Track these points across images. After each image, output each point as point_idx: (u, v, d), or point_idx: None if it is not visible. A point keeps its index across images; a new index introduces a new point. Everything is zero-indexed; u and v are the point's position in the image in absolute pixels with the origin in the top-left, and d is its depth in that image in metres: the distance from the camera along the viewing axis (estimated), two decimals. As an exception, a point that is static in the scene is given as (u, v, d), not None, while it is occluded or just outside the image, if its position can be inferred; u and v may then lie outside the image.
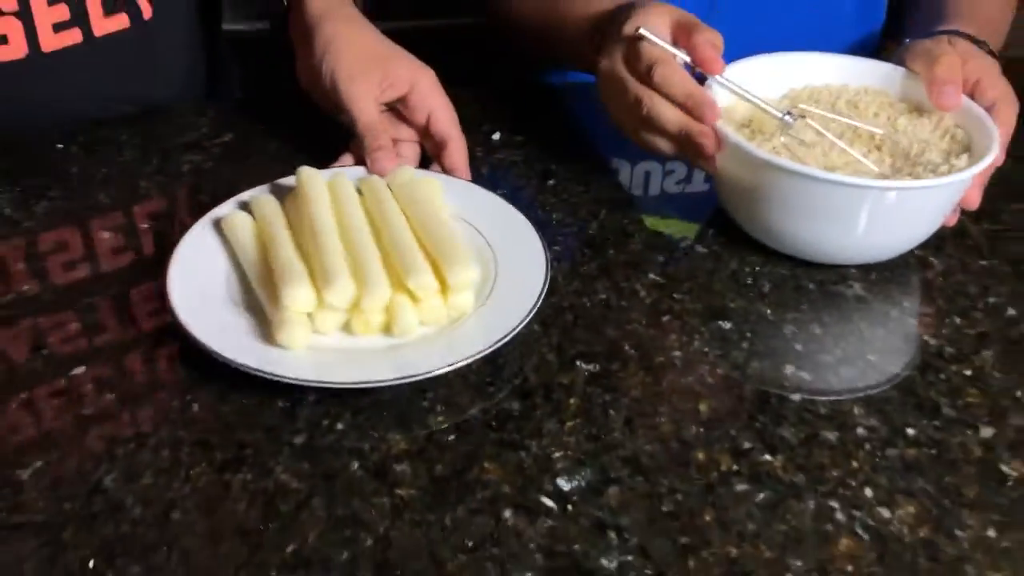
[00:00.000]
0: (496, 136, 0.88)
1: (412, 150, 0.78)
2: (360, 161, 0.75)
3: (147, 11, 0.88)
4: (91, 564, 0.49)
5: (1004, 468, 0.57)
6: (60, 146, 0.84)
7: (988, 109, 0.72)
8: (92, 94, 0.87)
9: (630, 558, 0.51)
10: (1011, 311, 0.69)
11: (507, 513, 0.53)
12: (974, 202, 0.72)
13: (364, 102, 0.75)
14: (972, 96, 0.74)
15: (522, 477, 0.55)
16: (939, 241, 0.76)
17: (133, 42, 0.88)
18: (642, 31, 0.71)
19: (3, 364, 0.61)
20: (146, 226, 0.75)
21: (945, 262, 0.74)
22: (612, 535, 0.52)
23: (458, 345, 0.59)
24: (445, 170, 0.77)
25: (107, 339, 0.63)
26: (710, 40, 0.72)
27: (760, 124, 0.75)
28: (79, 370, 0.61)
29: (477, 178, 0.82)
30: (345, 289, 0.59)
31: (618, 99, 0.75)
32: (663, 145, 0.74)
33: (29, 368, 0.61)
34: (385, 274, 0.61)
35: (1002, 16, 0.93)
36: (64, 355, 0.62)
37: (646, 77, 0.71)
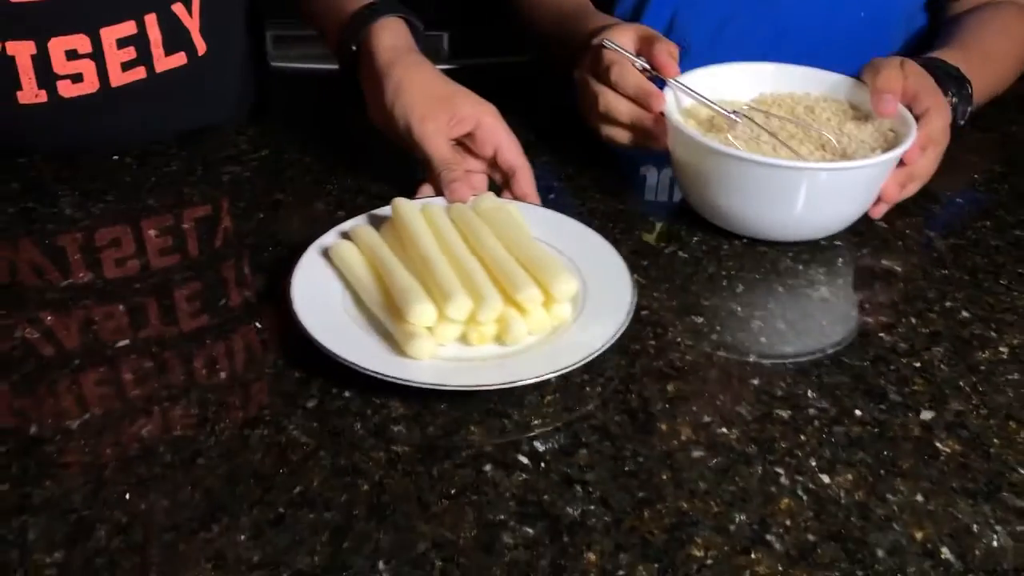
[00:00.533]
0: None
1: (481, 181, 0.86)
2: (439, 192, 0.82)
3: (201, 48, 0.99)
4: (127, 496, 0.58)
5: (939, 445, 0.63)
6: (116, 158, 0.94)
7: (918, 117, 0.82)
8: (150, 121, 0.97)
9: (592, 507, 0.58)
10: (965, 314, 0.75)
11: (487, 467, 0.60)
12: (890, 195, 0.83)
13: (437, 140, 0.83)
14: (910, 107, 0.83)
15: (503, 439, 0.62)
16: (906, 253, 0.82)
17: (188, 76, 0.98)
18: (604, 41, 0.87)
19: (57, 338, 0.70)
20: (187, 226, 0.85)
21: (909, 271, 0.81)
22: (578, 488, 0.59)
23: (562, 353, 0.66)
24: (516, 197, 0.84)
25: (146, 320, 0.72)
26: (666, 49, 0.86)
27: (720, 123, 0.86)
28: (123, 343, 0.70)
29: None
30: (463, 304, 0.66)
31: (584, 98, 0.90)
32: (620, 135, 0.88)
33: (80, 342, 0.70)
34: (496, 289, 0.68)
35: (1011, 51, 1.02)
36: (108, 332, 0.71)
37: (604, 77, 0.86)
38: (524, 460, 0.61)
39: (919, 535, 0.56)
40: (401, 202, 0.77)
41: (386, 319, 0.68)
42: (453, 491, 0.59)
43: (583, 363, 0.65)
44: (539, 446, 0.62)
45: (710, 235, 0.84)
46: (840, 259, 0.82)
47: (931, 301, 0.77)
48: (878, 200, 0.83)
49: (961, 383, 0.68)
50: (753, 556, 0.55)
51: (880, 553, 0.55)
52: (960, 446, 0.63)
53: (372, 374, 0.63)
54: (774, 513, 0.58)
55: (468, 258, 0.71)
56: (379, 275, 0.71)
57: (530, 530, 0.56)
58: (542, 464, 0.61)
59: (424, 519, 0.57)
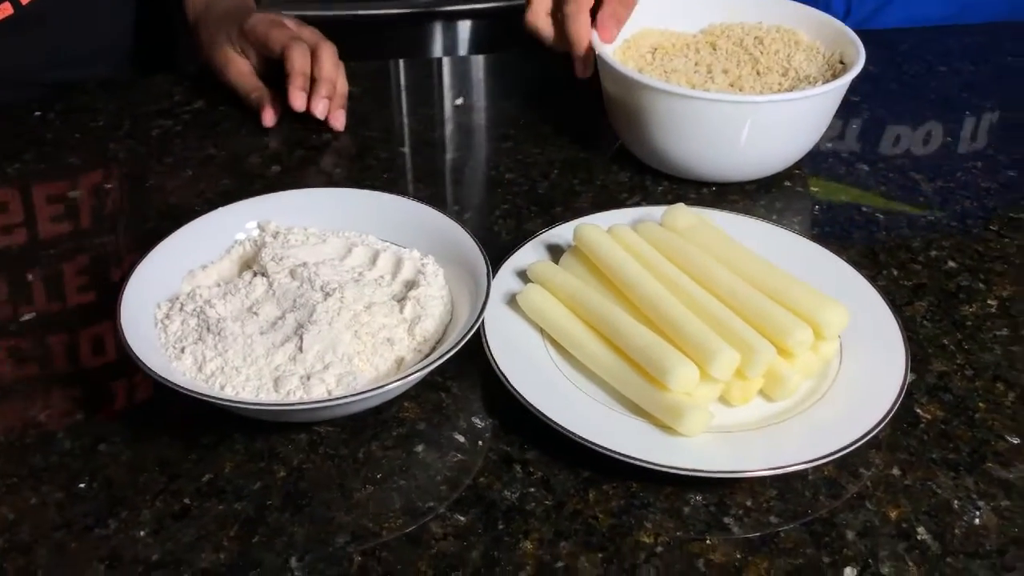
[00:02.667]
0: (459, 101, 0.90)
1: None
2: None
3: None
4: (20, 491, 0.52)
5: (919, 411, 0.57)
6: (38, 114, 0.87)
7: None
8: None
9: (532, 490, 0.52)
10: (951, 264, 0.69)
11: (419, 448, 0.55)
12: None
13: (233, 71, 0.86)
14: None
15: (439, 416, 0.57)
16: (888, 200, 0.76)
17: (19, 25, 0.90)
18: None
19: (-41, 311, 0.64)
20: (110, 186, 0.78)
21: (892, 218, 0.74)
22: (517, 469, 0.53)
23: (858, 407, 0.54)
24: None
25: (54, 291, 0.66)
26: (613, 11, 0.79)
27: (665, 52, 0.80)
28: (29, 316, 0.64)
29: (436, 142, 0.84)
30: (730, 359, 0.53)
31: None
32: (546, 31, 0.83)
33: (-17, 315, 0.64)
34: (759, 335, 0.55)
35: None
36: (12, 304, 0.65)
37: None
38: (460, 439, 0.55)
39: (894, 514, 0.51)
40: (588, 229, 0.62)
41: (626, 387, 0.56)
42: (379, 475, 0.53)
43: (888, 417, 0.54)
44: (478, 423, 0.56)
45: (677, 184, 0.77)
46: (817, 207, 0.75)
47: (915, 251, 0.71)
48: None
49: (945, 341, 0.62)
50: (708, 542, 0.50)
51: (850, 535, 0.50)
52: (942, 412, 0.57)
53: (637, 462, 0.51)
54: (733, 492, 0.52)
55: (704, 297, 0.58)
56: (590, 325, 0.58)
57: (462, 518, 0.51)
58: (479, 443, 0.55)
59: (345, 508, 0.51)
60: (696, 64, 0.79)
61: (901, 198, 0.76)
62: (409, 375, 0.52)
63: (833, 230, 0.73)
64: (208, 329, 0.56)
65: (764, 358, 0.54)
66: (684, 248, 0.62)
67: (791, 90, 0.76)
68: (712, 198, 0.76)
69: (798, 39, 0.81)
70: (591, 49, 0.78)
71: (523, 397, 0.54)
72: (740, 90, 0.76)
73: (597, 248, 0.62)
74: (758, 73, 0.78)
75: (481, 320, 0.56)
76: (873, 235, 0.72)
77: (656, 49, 0.81)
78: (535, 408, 0.53)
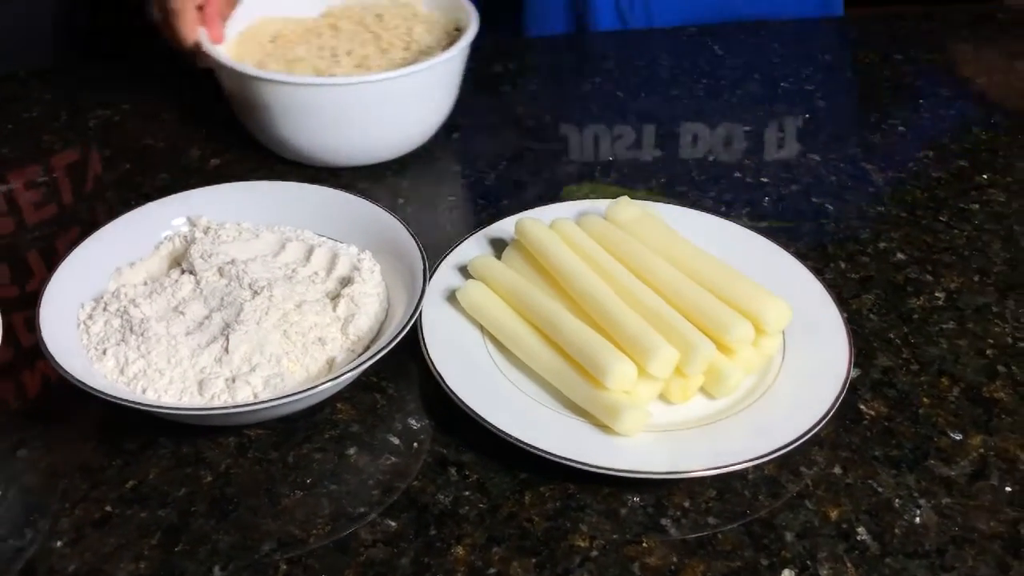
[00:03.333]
0: None
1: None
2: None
3: None
4: (-71, 499, 0.50)
5: (862, 407, 0.56)
6: (-30, 104, 0.84)
7: None
8: None
9: (467, 493, 0.51)
10: (900, 256, 0.68)
11: (351, 451, 0.53)
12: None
13: None
14: None
15: (374, 417, 0.55)
16: (838, 189, 0.75)
17: None
18: None
19: None
20: (45, 179, 0.75)
21: (841, 208, 0.73)
22: (452, 471, 0.52)
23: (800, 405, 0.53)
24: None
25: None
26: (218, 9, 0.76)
27: (286, 39, 0.79)
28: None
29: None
30: (668, 356, 0.52)
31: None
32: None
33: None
34: (699, 332, 0.54)
35: None
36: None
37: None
38: (395, 441, 0.54)
39: (834, 514, 0.50)
40: (530, 224, 0.61)
41: (564, 385, 0.54)
42: (309, 480, 0.51)
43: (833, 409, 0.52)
44: (414, 424, 0.55)
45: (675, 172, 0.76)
46: (767, 198, 0.74)
47: (864, 242, 0.70)
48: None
49: (891, 335, 0.61)
50: (645, 544, 0.48)
51: (789, 536, 0.49)
52: (886, 408, 0.56)
53: (573, 463, 0.49)
54: (671, 494, 0.51)
55: (645, 293, 0.56)
56: (531, 323, 0.56)
57: (392, 523, 0.49)
58: (415, 445, 0.54)
59: (272, 515, 0.50)
60: (320, 48, 0.78)
61: (852, 188, 0.75)
62: (338, 377, 0.50)
63: (782, 222, 0.72)
64: (131, 330, 0.54)
65: (703, 355, 0.53)
66: (626, 242, 0.60)
67: (415, 63, 0.73)
68: (660, 189, 0.75)
69: (416, 11, 0.82)
70: (200, 46, 0.74)
71: (459, 398, 0.52)
72: (368, 69, 0.75)
73: (538, 242, 0.60)
74: (383, 51, 0.78)
75: (416, 317, 0.54)
76: (823, 227, 0.71)
77: (276, 38, 0.80)
78: (472, 410, 0.52)
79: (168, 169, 0.77)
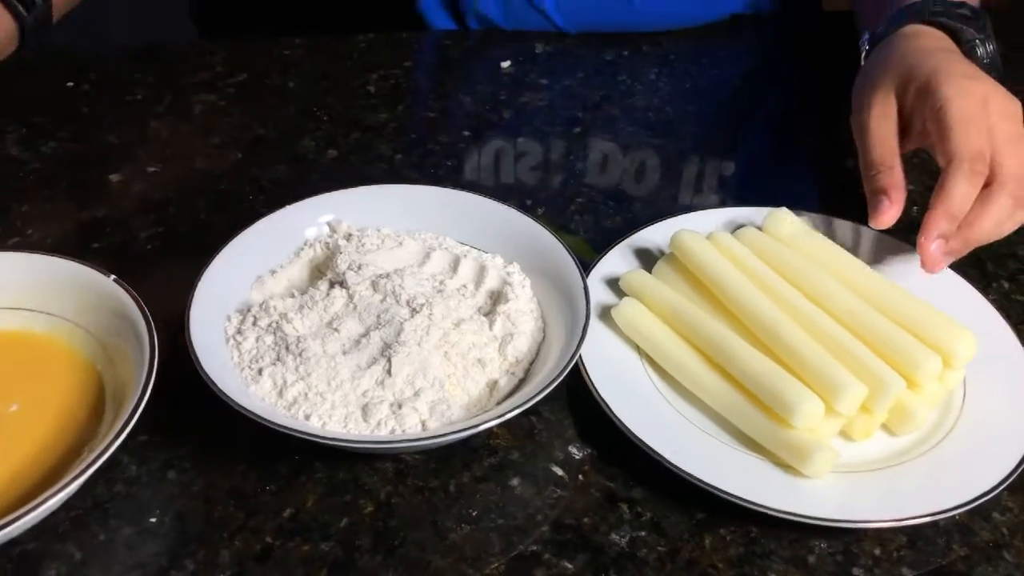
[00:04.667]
0: (506, 64, 0.85)
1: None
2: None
3: None
4: (86, 526, 0.48)
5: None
6: (70, 84, 0.81)
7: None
8: None
9: (643, 533, 0.48)
10: (1064, 276, 0.65)
11: (514, 481, 0.50)
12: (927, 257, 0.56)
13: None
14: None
15: (532, 444, 0.52)
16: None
17: None
18: None
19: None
20: (153, 170, 0.72)
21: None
22: (624, 508, 0.49)
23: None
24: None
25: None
26: None
27: None
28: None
29: (498, 124, 0.78)
30: (858, 394, 0.49)
31: None
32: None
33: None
34: (887, 366, 0.51)
35: None
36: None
37: None
38: (558, 472, 0.51)
39: (1036, 567, 0.47)
40: (688, 237, 0.57)
41: (739, 419, 0.51)
42: (474, 512, 0.49)
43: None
44: (575, 452, 0.52)
45: (788, 180, 0.72)
46: (915, 207, 0.70)
47: (1024, 260, 0.66)
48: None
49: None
50: (839, 597, 0.46)
51: (991, 591, 0.46)
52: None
53: (757, 508, 0.46)
54: (860, 540, 0.48)
55: (823, 320, 0.52)
56: (693, 345, 0.53)
57: (569, 565, 0.47)
58: (579, 477, 0.51)
59: (441, 551, 0.47)
60: None
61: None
62: (512, 411, 0.47)
63: (934, 234, 0.68)
64: (287, 348, 0.51)
65: (893, 392, 0.50)
66: (794, 261, 0.57)
67: None
68: (798, 192, 0.71)
69: None
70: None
71: (629, 430, 0.50)
72: None
73: (699, 259, 0.57)
74: None
75: (584, 341, 0.51)
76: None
77: None
78: (643, 443, 0.49)
79: (283, 160, 0.74)
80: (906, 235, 0.66)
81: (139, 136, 0.75)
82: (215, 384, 0.47)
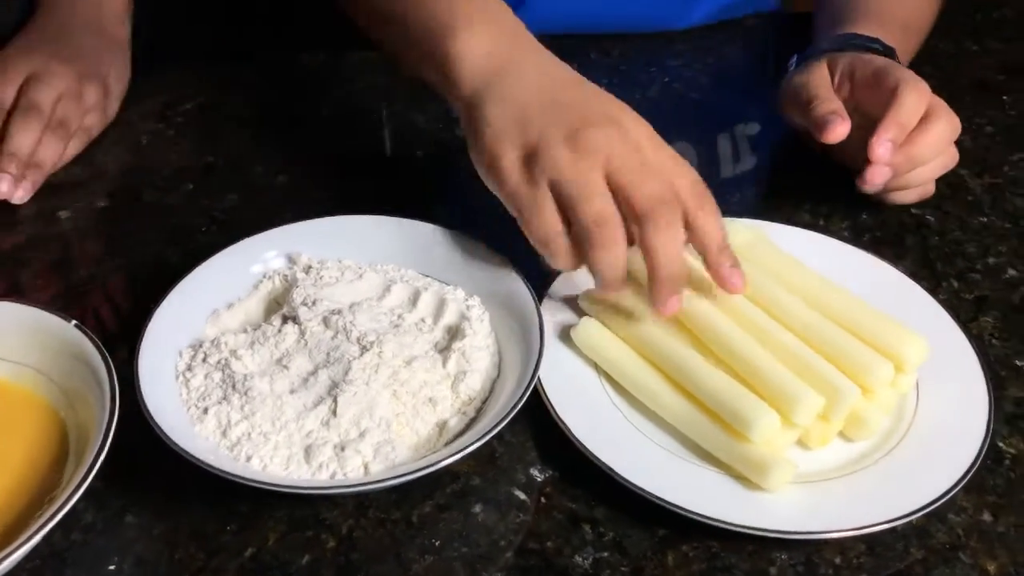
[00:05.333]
0: None
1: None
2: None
3: None
4: (43, 573, 0.47)
5: (1001, 444, 0.54)
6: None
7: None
8: None
9: (606, 554, 0.48)
10: (1012, 272, 0.66)
11: (477, 508, 0.50)
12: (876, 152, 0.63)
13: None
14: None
15: (494, 468, 0.52)
16: (936, 198, 0.72)
17: None
18: None
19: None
20: (102, 205, 0.72)
21: (942, 220, 0.70)
22: (587, 529, 0.49)
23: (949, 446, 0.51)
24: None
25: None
26: None
27: None
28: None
29: (452, 143, 0.78)
30: (814, 405, 0.49)
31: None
32: None
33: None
34: (843, 374, 0.51)
35: (924, 18, 0.82)
36: None
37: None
38: (520, 496, 0.51)
39: (992, 567, 0.48)
40: (638, 259, 0.55)
41: (698, 435, 0.51)
42: (437, 542, 0.49)
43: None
44: (536, 475, 0.52)
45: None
46: (864, 213, 0.71)
47: (972, 257, 0.67)
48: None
49: (1018, 361, 0.59)
50: (801, 608, 0.46)
51: (949, 594, 0.47)
52: (1026, 444, 0.54)
53: (719, 524, 0.47)
54: (820, 549, 0.49)
55: (777, 331, 0.53)
56: (652, 363, 0.54)
57: (533, 590, 0.47)
58: (541, 499, 0.51)
59: (405, 584, 0.47)
60: None
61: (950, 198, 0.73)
62: (459, 452, 0.47)
63: (884, 235, 0.69)
64: (233, 387, 0.51)
65: (849, 401, 0.50)
66: (749, 274, 0.57)
67: None
68: (749, 201, 0.72)
69: None
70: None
71: (589, 451, 0.50)
72: None
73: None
74: None
75: (535, 381, 0.51)
76: (926, 240, 0.69)
77: None
78: (604, 464, 0.49)
79: (236, 189, 0.73)
80: (854, 236, 0.68)
81: (86, 171, 0.74)
82: (156, 424, 0.47)
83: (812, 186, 0.73)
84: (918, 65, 0.77)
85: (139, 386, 0.49)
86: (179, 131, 0.79)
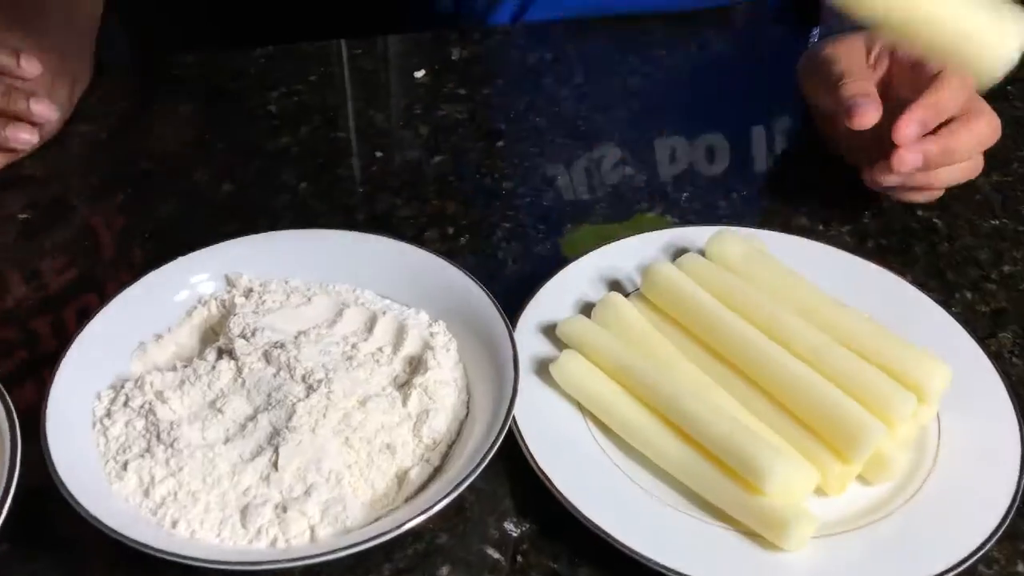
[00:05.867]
0: (420, 74, 0.78)
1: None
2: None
3: None
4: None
5: (1034, 479, 0.48)
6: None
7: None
8: None
9: (592, 624, 0.42)
10: (1030, 281, 0.60)
11: (443, 570, 0.44)
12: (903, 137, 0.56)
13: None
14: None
15: (463, 523, 0.46)
16: (944, 199, 0.66)
17: None
18: None
19: None
20: (26, 216, 0.64)
21: (951, 223, 0.64)
22: (570, 595, 0.43)
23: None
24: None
25: None
26: None
27: None
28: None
29: (411, 142, 0.71)
30: (847, 446, 0.44)
31: None
32: None
33: None
34: (865, 410, 0.45)
35: None
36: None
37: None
38: (494, 555, 0.45)
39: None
40: (660, 269, 0.52)
41: (699, 484, 0.45)
42: (399, 615, 0.42)
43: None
44: (511, 530, 0.46)
45: (700, 190, 0.66)
46: (866, 211, 0.65)
47: (985, 265, 0.61)
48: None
49: (1043, 384, 0.53)
50: None
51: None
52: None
53: None
54: None
55: (790, 363, 0.47)
56: (644, 402, 0.47)
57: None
58: (518, 559, 0.44)
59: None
60: None
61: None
62: (421, 515, 0.40)
63: (890, 242, 0.63)
64: (158, 436, 0.44)
65: (875, 440, 0.44)
66: (747, 293, 0.51)
67: None
68: (743, 205, 0.66)
69: None
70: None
71: (572, 504, 0.43)
72: None
73: (680, 298, 0.51)
74: None
75: (508, 422, 0.44)
76: (935, 247, 0.63)
77: None
78: (588, 519, 0.43)
79: (174, 198, 0.66)
80: (858, 242, 0.62)
81: (8, 176, 0.67)
82: (63, 485, 0.40)
83: (810, 186, 0.67)
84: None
85: (45, 437, 0.42)
86: (113, 132, 0.72)
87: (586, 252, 0.56)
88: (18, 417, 0.44)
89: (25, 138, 0.64)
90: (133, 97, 0.76)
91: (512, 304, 0.53)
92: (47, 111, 0.64)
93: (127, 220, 0.64)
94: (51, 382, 0.45)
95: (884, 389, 0.46)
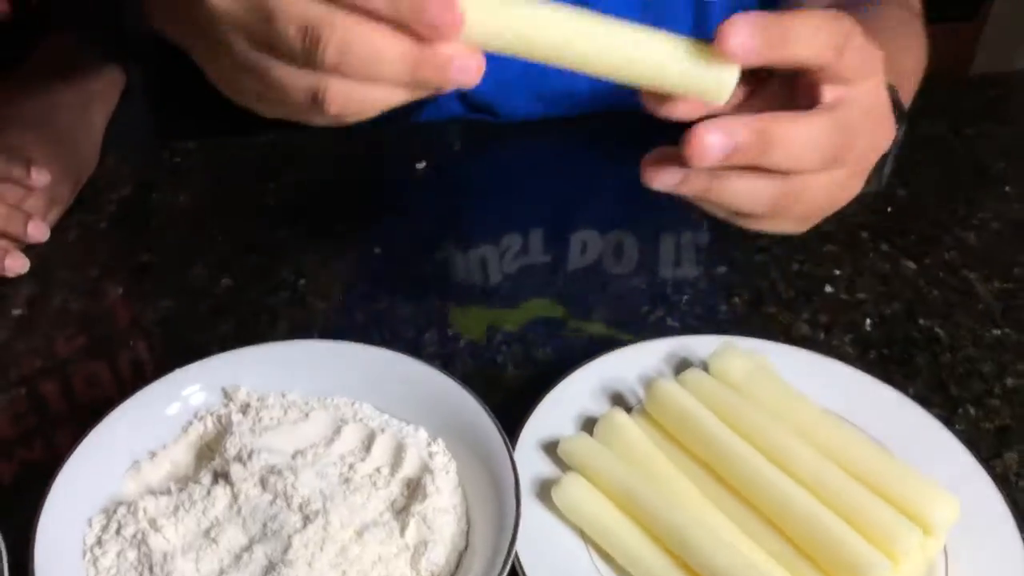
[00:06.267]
0: (421, 165, 0.78)
1: None
2: None
3: None
4: None
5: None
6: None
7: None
8: None
9: None
10: (1034, 395, 0.60)
11: None
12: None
13: None
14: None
15: None
16: (944, 307, 0.66)
17: None
18: None
19: None
20: (18, 313, 0.63)
21: (952, 332, 0.64)
22: None
23: None
24: None
25: None
26: None
27: None
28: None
29: (410, 234, 0.71)
30: None
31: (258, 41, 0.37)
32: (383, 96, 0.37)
33: None
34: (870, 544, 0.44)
35: (916, 68, 0.67)
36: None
37: None
38: None
39: None
40: (664, 386, 0.51)
41: None
42: None
43: None
44: None
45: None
46: (867, 319, 0.65)
47: (988, 378, 0.61)
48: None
49: (1051, 511, 0.53)
50: None
51: None
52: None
53: None
54: None
55: (795, 494, 0.46)
56: (650, 532, 0.46)
57: None
58: None
59: None
60: None
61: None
62: None
63: (892, 352, 0.63)
64: (151, 569, 0.42)
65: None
66: (751, 414, 0.50)
67: None
68: (745, 310, 0.65)
69: None
70: None
71: None
72: None
73: (684, 420, 0.50)
74: None
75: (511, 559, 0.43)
76: (937, 358, 0.62)
77: None
78: None
79: (171, 293, 0.65)
80: (860, 352, 0.61)
81: (3, 269, 0.66)
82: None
83: (812, 292, 0.67)
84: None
85: (33, 571, 0.41)
86: (113, 222, 0.72)
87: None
88: (8, 540, 0.43)
89: (17, 268, 0.64)
90: (134, 183, 0.75)
91: (513, 413, 0.52)
92: (42, 235, 0.66)
93: (125, 318, 0.63)
94: (41, 505, 0.44)
95: (887, 521, 0.45)
